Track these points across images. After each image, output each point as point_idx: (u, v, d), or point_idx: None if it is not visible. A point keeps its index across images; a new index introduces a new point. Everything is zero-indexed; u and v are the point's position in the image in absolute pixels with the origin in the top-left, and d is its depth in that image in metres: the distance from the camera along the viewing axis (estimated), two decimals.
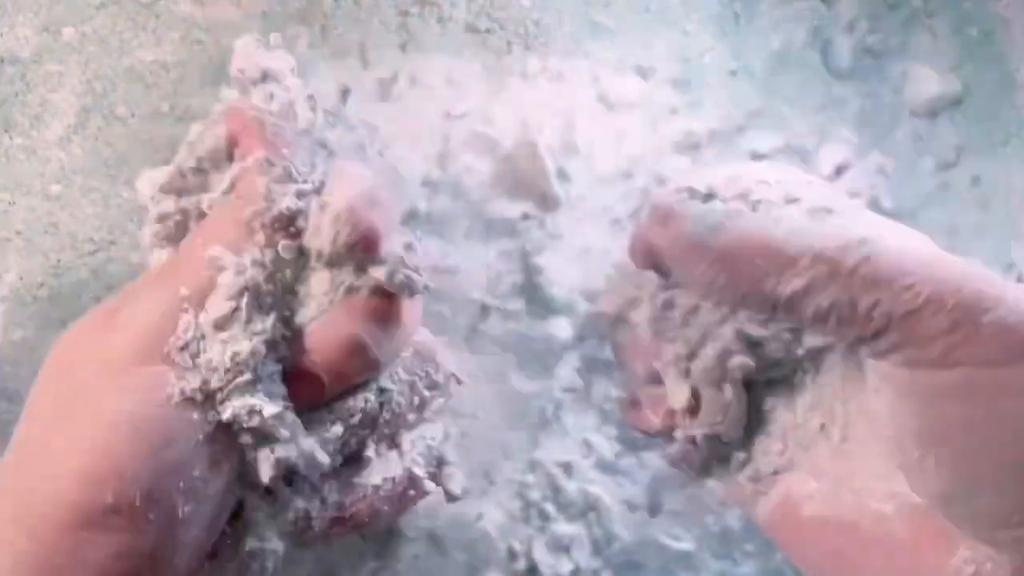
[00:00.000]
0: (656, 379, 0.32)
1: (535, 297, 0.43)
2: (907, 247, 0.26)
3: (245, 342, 0.27)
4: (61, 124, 0.40)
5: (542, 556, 0.42)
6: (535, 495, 0.42)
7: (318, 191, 0.30)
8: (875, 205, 0.49)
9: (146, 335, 0.26)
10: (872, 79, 0.52)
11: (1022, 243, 0.50)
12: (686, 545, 0.44)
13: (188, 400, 0.26)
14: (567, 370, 0.43)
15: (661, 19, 0.46)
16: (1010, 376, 0.23)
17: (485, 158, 0.43)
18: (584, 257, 0.43)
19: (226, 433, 0.27)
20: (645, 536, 0.43)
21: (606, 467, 0.43)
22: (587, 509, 0.43)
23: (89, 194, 0.40)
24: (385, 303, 0.29)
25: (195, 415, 0.26)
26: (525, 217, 0.43)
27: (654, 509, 0.44)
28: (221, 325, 0.27)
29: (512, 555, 0.42)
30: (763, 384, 0.30)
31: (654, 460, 0.43)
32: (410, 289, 0.29)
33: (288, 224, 0.29)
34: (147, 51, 0.42)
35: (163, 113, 0.41)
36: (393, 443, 0.33)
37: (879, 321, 0.25)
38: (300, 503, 0.29)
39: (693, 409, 0.30)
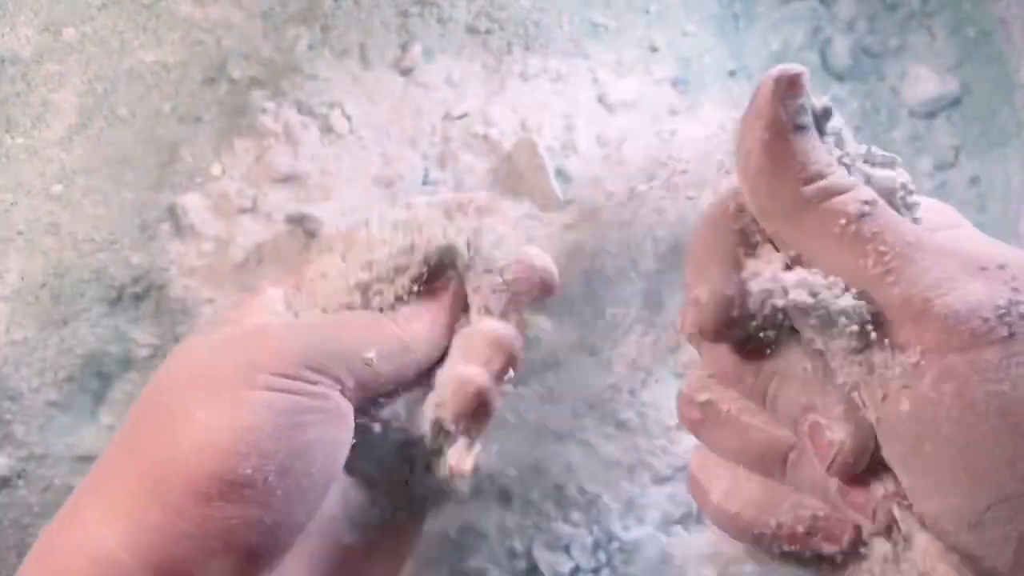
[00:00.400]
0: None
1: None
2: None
3: None
4: (62, 124, 0.40)
5: (542, 554, 0.42)
6: (535, 495, 0.42)
7: None
8: None
9: (295, 356, 0.29)
10: (871, 79, 0.52)
11: (1020, 243, 0.51)
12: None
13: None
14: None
15: (661, 20, 0.47)
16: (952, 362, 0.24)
17: (485, 158, 0.43)
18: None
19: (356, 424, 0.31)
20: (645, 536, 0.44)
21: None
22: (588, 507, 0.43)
23: (90, 194, 0.40)
24: None
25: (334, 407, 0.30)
26: (526, 218, 0.43)
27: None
28: None
29: (512, 555, 0.42)
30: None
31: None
32: None
33: None
34: (148, 51, 0.42)
35: (164, 113, 0.41)
36: None
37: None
38: None
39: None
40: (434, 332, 0.33)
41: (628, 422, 0.44)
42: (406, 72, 0.43)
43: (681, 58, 0.46)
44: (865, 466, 0.26)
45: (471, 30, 0.44)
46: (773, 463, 0.29)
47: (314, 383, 0.29)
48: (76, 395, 0.39)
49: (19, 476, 0.38)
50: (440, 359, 0.34)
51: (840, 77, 0.51)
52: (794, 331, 0.28)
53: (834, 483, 0.27)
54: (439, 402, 0.33)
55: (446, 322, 0.34)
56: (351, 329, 0.32)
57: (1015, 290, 0.25)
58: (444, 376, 0.33)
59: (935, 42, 0.52)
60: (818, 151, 0.28)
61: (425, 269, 0.34)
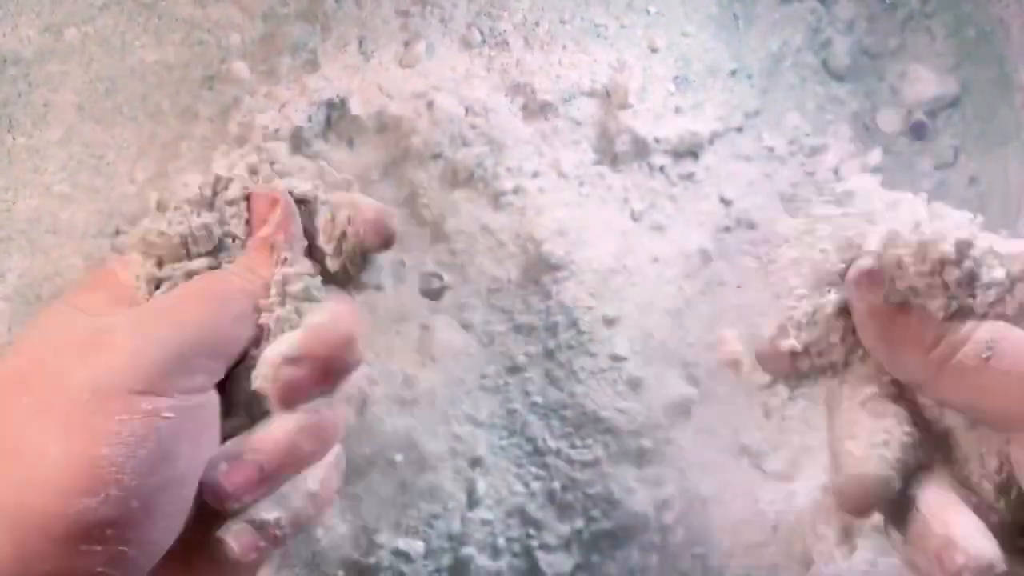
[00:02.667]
0: None
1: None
2: None
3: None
4: (63, 124, 0.41)
5: (542, 555, 0.42)
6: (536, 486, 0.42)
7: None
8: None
9: (152, 368, 0.27)
10: (870, 80, 0.52)
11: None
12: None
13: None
14: None
15: (661, 20, 0.47)
16: None
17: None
18: None
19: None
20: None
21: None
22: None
23: (91, 194, 0.40)
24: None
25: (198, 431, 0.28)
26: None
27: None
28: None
29: (512, 553, 0.42)
30: None
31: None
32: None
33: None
34: (149, 51, 0.42)
35: (165, 113, 0.41)
36: None
37: None
38: None
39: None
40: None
41: None
42: (406, 72, 0.43)
43: (681, 58, 0.46)
44: None
45: (471, 29, 0.44)
46: None
47: (183, 392, 0.27)
48: None
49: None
50: None
51: (840, 77, 0.51)
52: None
53: None
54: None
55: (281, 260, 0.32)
56: (198, 304, 0.30)
57: None
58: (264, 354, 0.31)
59: (934, 42, 0.52)
60: (925, 318, 0.29)
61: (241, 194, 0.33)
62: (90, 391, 0.26)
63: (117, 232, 0.40)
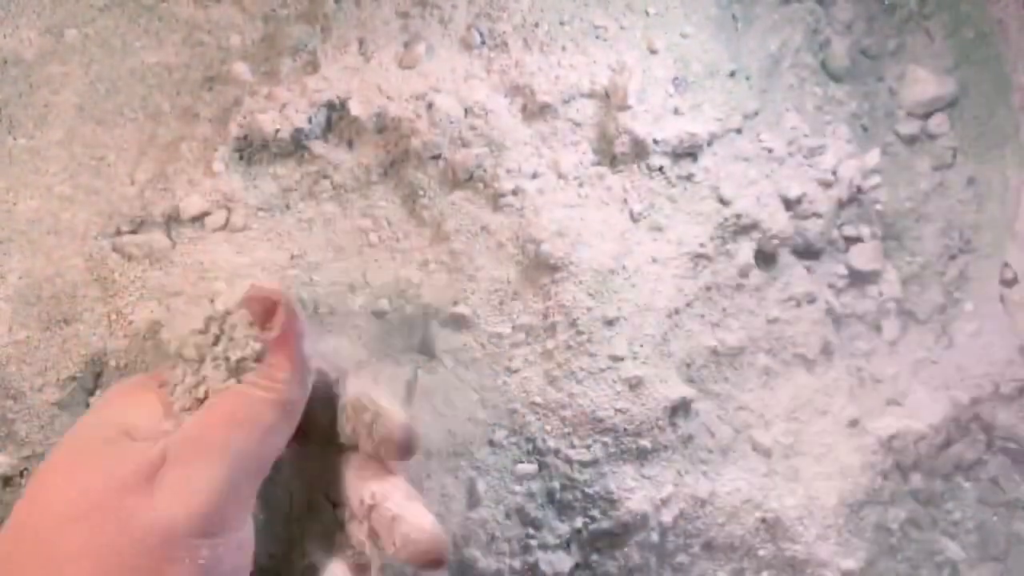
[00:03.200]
0: None
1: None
2: None
3: None
4: (64, 125, 0.41)
5: (542, 554, 0.42)
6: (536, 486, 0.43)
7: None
8: (872, 204, 0.49)
9: (213, 512, 0.28)
10: (869, 80, 0.52)
11: (1017, 243, 0.51)
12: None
13: None
14: None
15: (660, 21, 0.47)
16: None
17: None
18: None
19: None
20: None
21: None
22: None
23: (92, 195, 0.40)
24: None
25: None
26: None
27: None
28: None
29: (512, 553, 0.42)
30: None
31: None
32: None
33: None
34: (150, 53, 0.42)
35: (165, 114, 0.41)
36: None
37: None
38: None
39: None
40: (300, 371, 0.32)
41: None
42: (406, 72, 0.43)
43: (680, 59, 0.46)
44: None
45: (471, 31, 0.44)
46: None
47: (237, 527, 0.29)
48: (78, 394, 0.39)
49: (21, 475, 0.38)
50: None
51: (838, 78, 0.51)
52: None
53: None
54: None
55: (302, 357, 0.32)
56: (239, 431, 0.30)
57: None
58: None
59: (933, 43, 0.53)
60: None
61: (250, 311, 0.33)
62: (157, 536, 0.27)
63: (118, 233, 0.40)
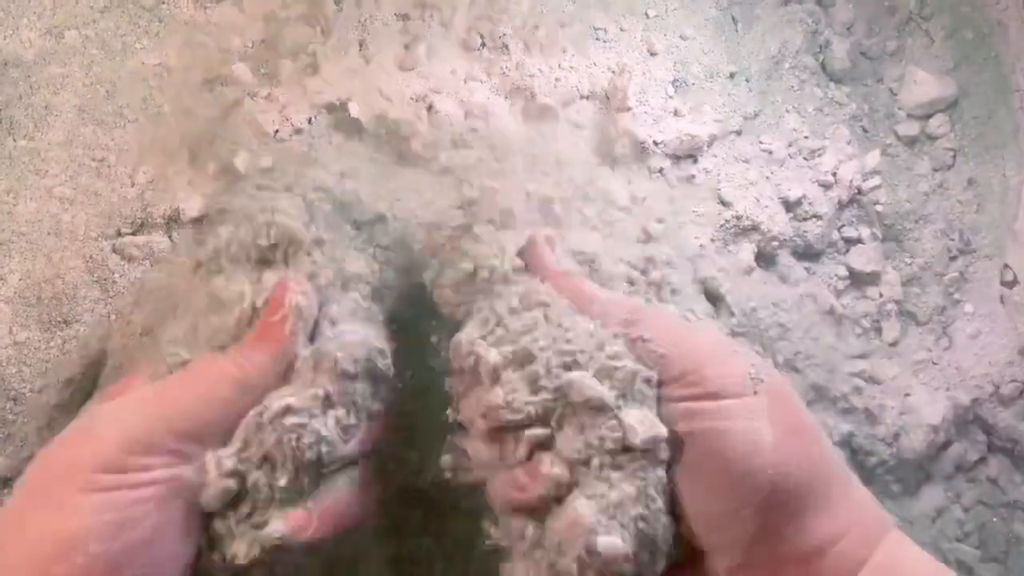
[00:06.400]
0: None
1: None
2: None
3: None
4: (64, 126, 0.41)
5: None
6: None
7: None
8: (872, 206, 0.49)
9: (112, 450, 0.29)
10: (869, 82, 0.52)
11: (1016, 243, 0.51)
12: None
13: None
14: None
15: (659, 23, 0.47)
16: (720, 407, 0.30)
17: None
18: None
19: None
20: None
21: None
22: None
23: (92, 196, 0.40)
24: None
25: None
26: None
27: None
28: None
29: None
30: None
31: None
32: None
33: None
34: (149, 54, 0.42)
35: (165, 115, 0.41)
36: None
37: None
38: None
39: None
40: (275, 362, 0.32)
41: None
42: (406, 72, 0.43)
43: (680, 61, 0.46)
44: None
45: (471, 33, 0.44)
46: None
47: (145, 469, 0.29)
48: (77, 396, 0.39)
49: (21, 476, 0.38)
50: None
51: (838, 80, 0.51)
52: None
53: None
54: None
55: (284, 350, 0.32)
56: (179, 390, 0.31)
57: None
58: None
59: (933, 45, 0.53)
60: None
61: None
62: (61, 469, 0.29)
63: (118, 234, 0.40)
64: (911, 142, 0.51)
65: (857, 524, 0.29)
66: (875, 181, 0.49)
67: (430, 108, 0.42)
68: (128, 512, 0.28)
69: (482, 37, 0.44)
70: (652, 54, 0.46)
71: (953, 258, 0.52)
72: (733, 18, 0.48)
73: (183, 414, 0.30)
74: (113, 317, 0.39)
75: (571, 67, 0.44)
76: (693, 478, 0.29)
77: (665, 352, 0.31)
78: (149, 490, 0.29)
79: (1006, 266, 0.51)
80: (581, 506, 0.28)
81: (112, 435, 0.29)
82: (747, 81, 0.48)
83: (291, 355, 0.32)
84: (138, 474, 0.29)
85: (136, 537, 0.28)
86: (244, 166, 0.39)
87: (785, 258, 0.47)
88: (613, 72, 0.45)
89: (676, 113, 0.45)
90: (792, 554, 0.29)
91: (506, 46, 0.44)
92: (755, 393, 0.30)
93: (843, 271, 0.49)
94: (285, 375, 0.32)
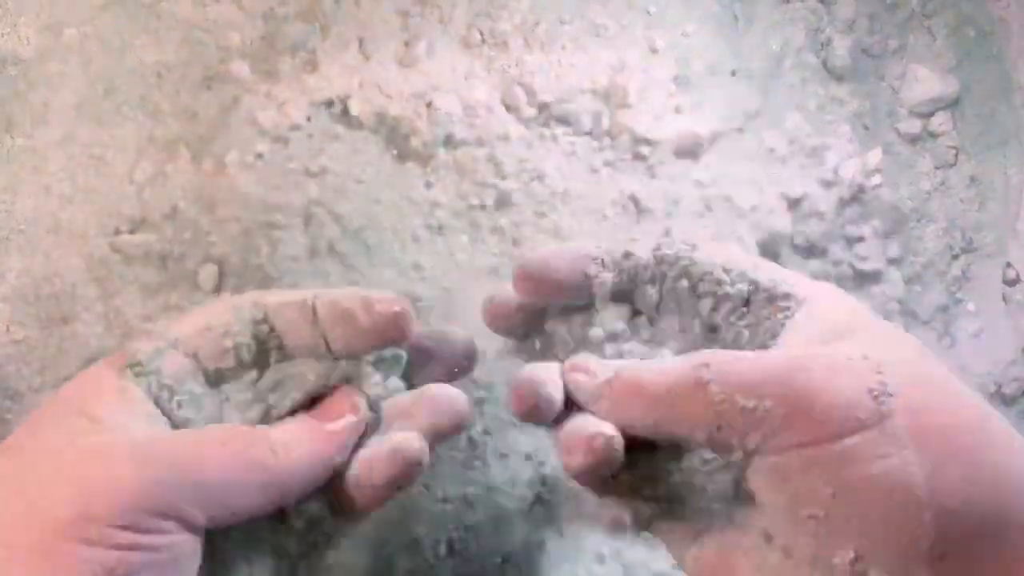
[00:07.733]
0: None
1: None
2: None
3: None
4: (62, 124, 0.41)
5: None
6: None
7: None
8: (874, 203, 0.49)
9: (130, 497, 0.26)
10: (870, 79, 0.52)
11: (1019, 242, 0.51)
12: None
13: None
14: None
15: (661, 20, 0.47)
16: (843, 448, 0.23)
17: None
18: None
19: None
20: None
21: None
22: None
23: (91, 194, 0.40)
24: None
25: None
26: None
27: None
28: None
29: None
30: None
31: None
32: None
33: None
34: (148, 52, 0.42)
35: (165, 113, 0.41)
36: None
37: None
38: None
39: None
40: (313, 464, 0.29)
41: None
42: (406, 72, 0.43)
43: (681, 58, 0.46)
44: None
45: (471, 30, 0.44)
46: None
47: (152, 532, 0.25)
48: None
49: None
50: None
51: (840, 77, 0.51)
52: None
53: None
54: None
55: (331, 454, 0.29)
56: (206, 457, 0.27)
57: None
58: None
59: (935, 42, 0.52)
60: None
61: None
62: (63, 516, 0.25)
63: (117, 232, 0.40)
64: (913, 140, 0.51)
65: None
66: (877, 179, 0.49)
67: (430, 105, 0.42)
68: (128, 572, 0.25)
69: (482, 34, 0.44)
70: (653, 51, 0.45)
71: (955, 256, 0.51)
72: (735, 15, 0.48)
73: (212, 479, 0.27)
74: (112, 316, 0.39)
75: (571, 64, 0.44)
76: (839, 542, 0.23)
77: (753, 404, 0.24)
78: (152, 555, 0.25)
79: (1008, 264, 0.51)
80: None
81: (130, 485, 0.25)
82: (749, 78, 0.47)
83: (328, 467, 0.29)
84: (144, 536, 0.25)
85: None
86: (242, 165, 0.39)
87: (787, 256, 0.47)
88: (614, 69, 0.44)
89: (677, 110, 0.45)
90: None
91: (506, 43, 0.44)
92: (886, 415, 0.23)
93: (845, 269, 0.49)
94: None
